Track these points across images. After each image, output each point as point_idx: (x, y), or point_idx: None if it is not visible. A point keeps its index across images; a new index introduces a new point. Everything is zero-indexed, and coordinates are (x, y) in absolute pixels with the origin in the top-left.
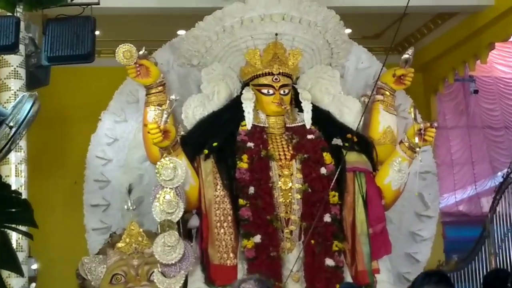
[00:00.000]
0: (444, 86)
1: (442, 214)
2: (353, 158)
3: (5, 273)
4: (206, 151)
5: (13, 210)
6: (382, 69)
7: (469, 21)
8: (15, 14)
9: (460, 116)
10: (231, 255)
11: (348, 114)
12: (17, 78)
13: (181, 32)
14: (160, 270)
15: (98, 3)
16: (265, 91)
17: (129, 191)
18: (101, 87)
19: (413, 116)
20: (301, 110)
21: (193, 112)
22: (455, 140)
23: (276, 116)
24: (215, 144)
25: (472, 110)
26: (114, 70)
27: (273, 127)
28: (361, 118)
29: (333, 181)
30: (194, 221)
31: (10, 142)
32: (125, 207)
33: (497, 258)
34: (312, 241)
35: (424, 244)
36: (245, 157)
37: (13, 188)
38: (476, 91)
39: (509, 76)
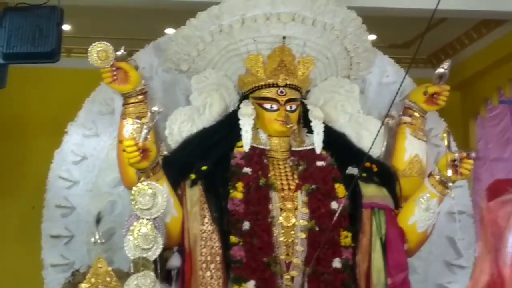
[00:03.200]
0: (487, 109)
1: None
2: (371, 191)
3: None
4: (193, 176)
5: None
6: (402, 82)
7: None
8: None
9: (505, 146)
10: None
11: (368, 138)
12: None
13: (169, 30)
14: None
15: None
16: (268, 106)
17: (98, 220)
18: (68, 93)
19: (446, 143)
20: (310, 131)
21: (180, 128)
22: (499, 174)
23: (280, 137)
24: (204, 168)
25: None
26: (85, 73)
27: (275, 150)
28: (383, 144)
29: (347, 218)
30: (174, 261)
31: None
32: (92, 240)
33: None
34: None
35: None
36: (240, 185)
37: None
38: None
39: None
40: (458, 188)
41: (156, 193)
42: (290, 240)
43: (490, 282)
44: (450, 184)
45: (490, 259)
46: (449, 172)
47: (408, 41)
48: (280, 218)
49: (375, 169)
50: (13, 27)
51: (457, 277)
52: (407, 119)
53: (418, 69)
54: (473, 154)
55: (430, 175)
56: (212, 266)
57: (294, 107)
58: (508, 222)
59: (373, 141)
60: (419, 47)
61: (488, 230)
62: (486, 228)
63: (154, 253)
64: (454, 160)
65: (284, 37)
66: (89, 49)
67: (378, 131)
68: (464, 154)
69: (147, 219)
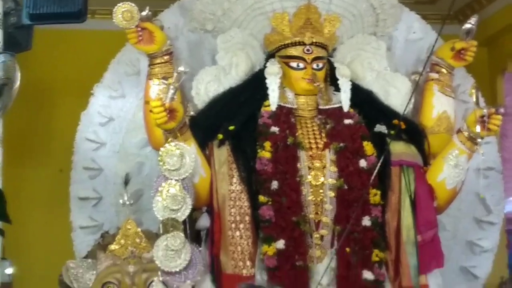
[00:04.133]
0: None
1: (508, 220)
2: (400, 149)
3: None
4: (220, 136)
5: None
6: (436, 40)
7: None
8: None
9: None
10: (248, 263)
11: (395, 95)
12: None
13: None
14: (161, 279)
15: None
16: (294, 64)
17: (126, 182)
18: (94, 54)
19: (474, 99)
20: (337, 89)
21: (206, 88)
22: None
23: (307, 95)
24: (231, 127)
25: None
26: (110, 34)
27: (303, 109)
28: (410, 100)
29: (374, 175)
30: (203, 221)
31: None
32: (120, 201)
33: None
34: (347, 249)
35: (484, 257)
36: (267, 144)
37: None
38: None
39: None
40: (487, 145)
41: (184, 153)
42: (319, 199)
43: None
44: (479, 140)
45: None
46: (478, 128)
47: None
48: (309, 177)
49: (403, 126)
50: None
51: (487, 233)
52: (434, 75)
53: (445, 25)
54: (501, 110)
55: (458, 131)
56: (242, 226)
57: (320, 65)
58: None
59: (409, 102)
60: (453, 3)
61: None
62: None
63: (183, 214)
64: (482, 116)
65: None
66: (114, 10)
67: (413, 93)
68: (493, 110)
69: (176, 180)
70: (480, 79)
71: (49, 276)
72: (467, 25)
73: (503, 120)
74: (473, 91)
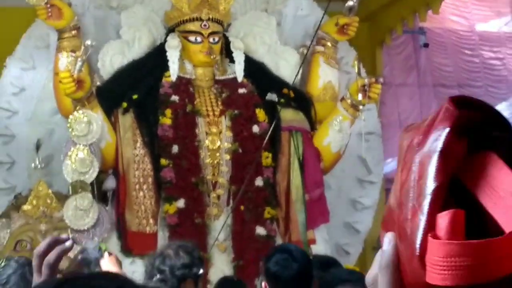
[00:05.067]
0: (392, 38)
1: (387, 180)
2: (289, 115)
3: None
4: (125, 105)
5: None
6: (323, 17)
7: None
8: None
9: (409, 72)
10: (151, 221)
11: (285, 66)
12: None
13: None
14: (70, 236)
15: None
16: (192, 38)
17: (37, 147)
18: (6, 29)
19: (356, 70)
20: (232, 61)
21: (111, 60)
22: (403, 98)
23: (205, 67)
24: (135, 96)
25: (422, 65)
26: (21, 11)
27: (200, 79)
28: (298, 71)
29: (266, 140)
30: (110, 183)
31: None
32: (32, 165)
33: None
34: (242, 207)
35: (365, 213)
36: (168, 112)
37: None
38: (426, 45)
39: (463, 28)
40: (368, 111)
41: (91, 120)
42: (215, 162)
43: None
44: (361, 107)
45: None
46: (360, 96)
47: None
48: (206, 141)
49: (292, 95)
50: None
51: (368, 191)
52: (320, 48)
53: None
54: (381, 79)
55: (342, 99)
56: (145, 186)
57: (216, 39)
58: (406, 145)
59: (298, 73)
60: None
61: (399, 155)
62: (398, 154)
63: (91, 176)
64: (364, 85)
65: None
66: None
67: (302, 64)
68: (373, 80)
69: (84, 145)
70: (361, 52)
71: None
72: (350, 3)
73: (382, 89)
74: (355, 62)
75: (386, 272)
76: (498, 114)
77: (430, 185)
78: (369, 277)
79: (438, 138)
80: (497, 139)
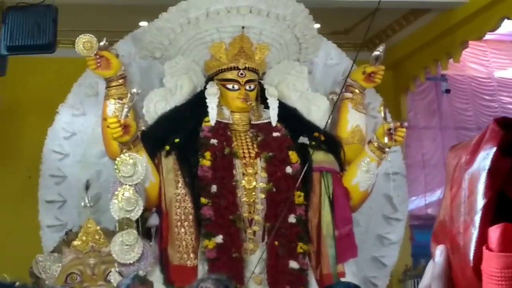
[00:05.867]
0: (415, 85)
1: (411, 217)
2: (320, 157)
3: None
4: (167, 147)
5: None
6: (352, 66)
7: (443, 18)
8: None
9: (431, 116)
10: (192, 255)
11: (316, 112)
12: None
13: (143, 23)
14: (117, 269)
15: None
16: (230, 86)
17: (87, 187)
18: (59, 78)
19: (382, 115)
20: (267, 107)
21: (155, 106)
22: (427, 140)
23: (241, 112)
24: (177, 140)
25: (444, 110)
26: (73, 61)
27: (237, 124)
28: (329, 117)
29: (299, 180)
30: (153, 220)
31: None
32: (82, 204)
33: None
34: (276, 243)
35: (391, 248)
36: (208, 154)
37: None
38: (448, 91)
39: (483, 75)
40: (393, 153)
41: (137, 162)
42: (251, 200)
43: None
44: (387, 149)
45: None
46: (386, 139)
47: (348, 28)
48: (243, 181)
49: (322, 138)
50: (14, 23)
51: (394, 228)
52: (349, 95)
53: (356, 52)
54: (405, 123)
55: (369, 142)
56: (186, 224)
57: (252, 86)
58: (454, 162)
59: (328, 118)
60: (366, 34)
61: (447, 173)
62: (446, 172)
63: (136, 214)
64: (389, 129)
65: (243, 27)
66: (76, 40)
67: (332, 110)
68: (398, 124)
69: (129, 185)
70: (387, 98)
71: (20, 269)
72: (376, 52)
73: (406, 133)
74: (381, 108)
75: (439, 281)
76: None
77: (480, 201)
78: (421, 287)
79: (486, 157)
80: None
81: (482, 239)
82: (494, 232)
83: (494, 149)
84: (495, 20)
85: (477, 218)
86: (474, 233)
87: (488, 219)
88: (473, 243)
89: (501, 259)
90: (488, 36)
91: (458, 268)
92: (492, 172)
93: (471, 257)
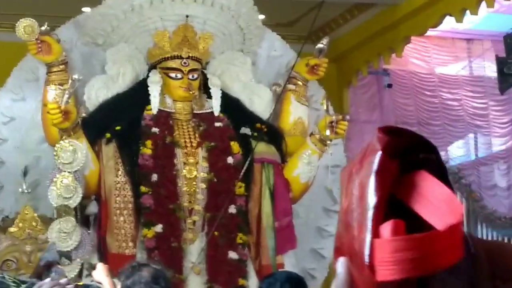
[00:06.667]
0: (358, 79)
1: None
2: (261, 148)
3: None
4: (108, 135)
5: None
6: (297, 58)
7: (386, 13)
8: None
9: (373, 110)
10: (130, 244)
11: (259, 103)
12: None
13: (86, 9)
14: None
15: None
16: (173, 75)
17: (25, 173)
18: None
19: (325, 107)
20: (209, 97)
21: (96, 93)
22: (367, 134)
23: (184, 101)
24: (118, 128)
25: (385, 104)
26: (12, 46)
27: (179, 113)
28: (272, 108)
29: (242, 172)
30: (92, 208)
31: None
32: (20, 190)
33: None
34: (216, 233)
35: (330, 240)
36: (149, 142)
37: None
38: (390, 85)
39: (424, 71)
40: (335, 146)
41: (76, 149)
42: (192, 190)
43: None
44: (328, 142)
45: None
46: (328, 132)
47: (292, 20)
48: (184, 171)
49: (265, 129)
50: None
51: (333, 220)
52: (292, 87)
53: (300, 45)
54: (347, 117)
55: (311, 134)
56: (125, 212)
57: (195, 76)
58: (347, 176)
59: (271, 109)
60: (312, 27)
61: (341, 190)
62: (341, 189)
63: (74, 201)
64: (331, 122)
65: (187, 16)
66: (16, 24)
67: (275, 102)
68: (340, 117)
69: (68, 172)
70: (330, 91)
71: None
72: (320, 45)
73: (348, 126)
74: (324, 100)
75: None
76: (423, 139)
77: (372, 200)
78: None
79: (372, 161)
80: (426, 160)
81: (375, 236)
82: (385, 229)
83: (380, 152)
84: (437, 16)
85: (369, 216)
86: (368, 230)
87: (380, 218)
88: (367, 241)
89: (392, 243)
90: (430, 32)
91: (357, 273)
92: (380, 173)
93: (366, 256)
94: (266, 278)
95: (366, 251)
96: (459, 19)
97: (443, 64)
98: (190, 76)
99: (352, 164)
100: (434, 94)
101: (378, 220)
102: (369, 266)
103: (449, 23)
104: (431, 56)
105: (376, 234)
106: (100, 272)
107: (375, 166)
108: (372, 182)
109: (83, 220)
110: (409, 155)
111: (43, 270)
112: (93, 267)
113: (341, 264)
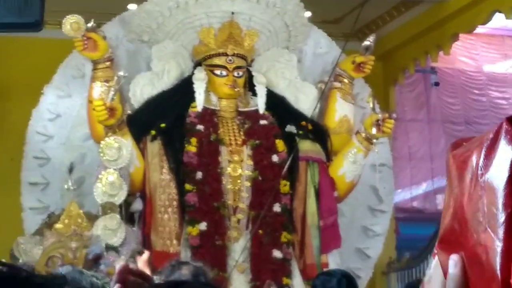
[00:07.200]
0: (404, 77)
1: (396, 209)
2: (306, 146)
3: None
4: (153, 132)
5: None
6: (340, 55)
7: (434, 10)
8: None
9: (419, 109)
10: (175, 241)
11: (304, 100)
12: None
13: (132, 6)
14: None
15: None
16: (218, 72)
17: (70, 170)
18: (45, 59)
19: (371, 106)
20: (254, 94)
21: (142, 90)
22: (414, 133)
23: (228, 99)
24: (163, 125)
25: (432, 103)
26: (59, 42)
27: (224, 110)
28: (316, 105)
29: (285, 169)
30: (137, 205)
31: None
32: (65, 186)
33: None
34: (260, 231)
35: (376, 240)
36: (193, 140)
37: None
38: (437, 83)
39: (472, 69)
40: (381, 144)
41: (121, 146)
42: (236, 188)
43: (453, 212)
44: (374, 140)
45: (451, 196)
46: (374, 130)
47: (338, 18)
48: (228, 169)
49: (310, 127)
50: None
51: (379, 220)
52: (337, 84)
53: (347, 42)
54: (394, 115)
55: (357, 132)
56: (170, 209)
57: (240, 73)
58: (463, 164)
59: (316, 107)
60: (355, 24)
61: (450, 173)
62: (448, 172)
63: (119, 198)
64: (377, 120)
65: (232, 13)
66: (63, 21)
67: (320, 99)
68: (387, 115)
69: (114, 169)
70: (376, 89)
71: (1, 251)
72: (366, 42)
73: (394, 124)
74: (370, 98)
75: None
76: None
77: (502, 212)
78: None
79: (504, 163)
80: None
81: (508, 252)
82: None
83: None
84: (486, 13)
85: (501, 231)
86: (499, 245)
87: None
88: (498, 257)
89: None
90: (478, 29)
91: (480, 281)
92: None
93: (498, 272)
94: (321, 275)
95: (497, 267)
96: (509, 16)
97: (491, 62)
98: (235, 74)
99: (469, 152)
100: (482, 93)
101: (510, 233)
102: (503, 283)
103: (498, 20)
104: (480, 54)
105: (509, 250)
106: (144, 261)
107: (507, 170)
108: (503, 190)
109: (128, 217)
110: None
111: (92, 263)
112: (139, 252)
113: (455, 264)
